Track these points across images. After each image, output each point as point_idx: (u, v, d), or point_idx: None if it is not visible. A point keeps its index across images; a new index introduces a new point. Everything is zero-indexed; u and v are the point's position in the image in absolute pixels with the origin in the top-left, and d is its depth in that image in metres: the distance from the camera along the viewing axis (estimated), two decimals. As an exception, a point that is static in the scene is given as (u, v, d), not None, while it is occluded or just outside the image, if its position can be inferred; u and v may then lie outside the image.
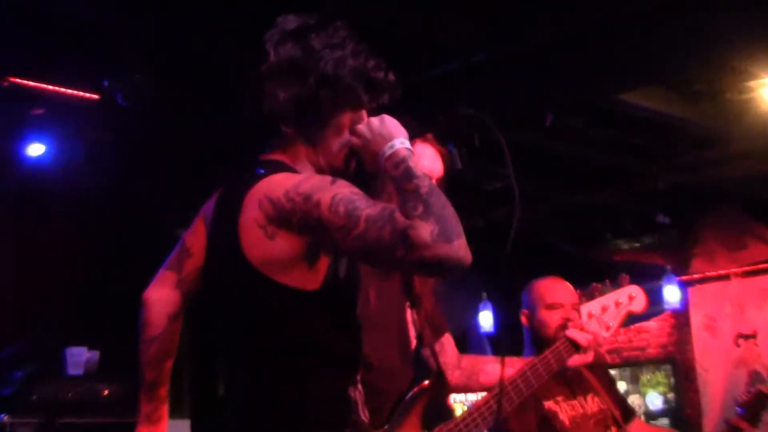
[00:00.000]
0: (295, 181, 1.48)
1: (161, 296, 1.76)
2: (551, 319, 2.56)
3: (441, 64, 3.54)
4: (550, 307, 2.57)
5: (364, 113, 1.62)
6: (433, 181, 1.47)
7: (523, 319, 2.64)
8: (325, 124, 1.58)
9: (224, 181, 1.63)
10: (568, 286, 2.61)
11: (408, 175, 1.47)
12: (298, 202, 1.44)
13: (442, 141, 2.06)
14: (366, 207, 1.42)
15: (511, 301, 2.88)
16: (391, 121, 1.59)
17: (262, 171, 1.53)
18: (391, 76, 1.61)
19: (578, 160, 4.75)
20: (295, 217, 1.44)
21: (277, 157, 1.60)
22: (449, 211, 1.42)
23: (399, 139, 1.54)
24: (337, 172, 1.59)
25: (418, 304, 2.02)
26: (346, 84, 1.56)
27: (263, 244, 1.47)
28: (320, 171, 1.60)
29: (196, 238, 1.73)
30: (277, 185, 1.48)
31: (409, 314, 2.06)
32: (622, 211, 5.62)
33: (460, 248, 1.39)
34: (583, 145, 4.47)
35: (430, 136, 2.01)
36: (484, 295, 6.20)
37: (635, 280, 2.37)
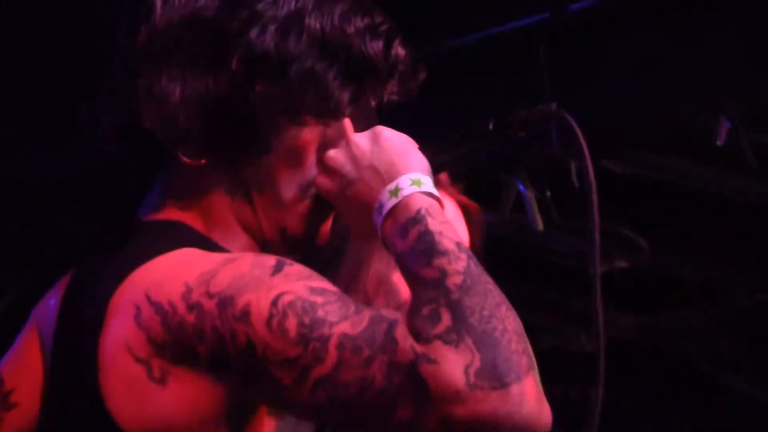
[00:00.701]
0: (203, 267, 1.48)
1: None
2: None
3: (506, 18, 3.55)
4: None
5: (345, 125, 1.63)
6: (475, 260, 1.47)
7: None
8: (264, 149, 1.59)
9: (71, 262, 1.65)
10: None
11: (426, 249, 1.48)
12: (208, 312, 1.45)
13: (490, 175, 2.03)
14: (340, 319, 1.42)
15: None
16: (395, 139, 1.60)
17: (142, 247, 1.54)
18: (400, 50, 1.62)
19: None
20: (205, 343, 1.45)
21: (171, 215, 1.61)
22: (503, 323, 1.42)
23: (409, 176, 1.55)
24: (293, 243, 1.61)
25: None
26: (304, 69, 1.57)
27: (145, 396, 1.48)
28: (261, 242, 1.62)
29: (22, 371, 1.71)
30: (168, 277, 1.49)
31: None
32: None
33: (524, 398, 1.39)
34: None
35: (443, 175, 2.01)
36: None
37: None
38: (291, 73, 1.57)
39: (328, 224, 1.64)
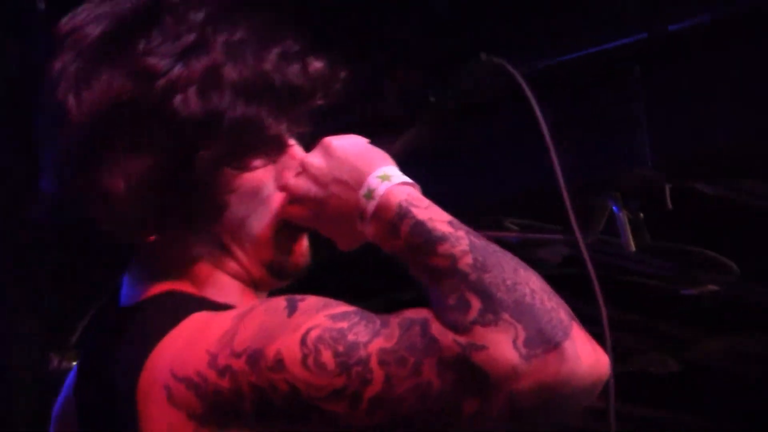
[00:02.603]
0: (218, 330, 1.48)
1: None
2: None
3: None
4: None
5: (293, 148, 1.62)
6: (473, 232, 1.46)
7: None
8: (223, 203, 1.58)
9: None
10: None
11: (425, 240, 1.47)
12: (240, 371, 1.44)
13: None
14: (371, 336, 1.41)
15: None
16: (346, 144, 1.58)
17: (148, 327, 1.53)
18: (317, 63, 1.60)
19: None
20: (246, 401, 1.44)
21: (161, 288, 1.59)
22: (528, 286, 1.41)
23: (376, 174, 1.54)
24: (280, 273, 1.61)
25: None
26: (236, 120, 1.54)
27: None
28: (252, 284, 1.61)
29: None
30: (188, 350, 1.48)
31: None
32: None
33: (578, 350, 1.39)
34: None
35: None
36: None
37: None
38: (224, 128, 1.54)
39: (304, 243, 1.64)
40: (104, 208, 1.54)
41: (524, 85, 1.62)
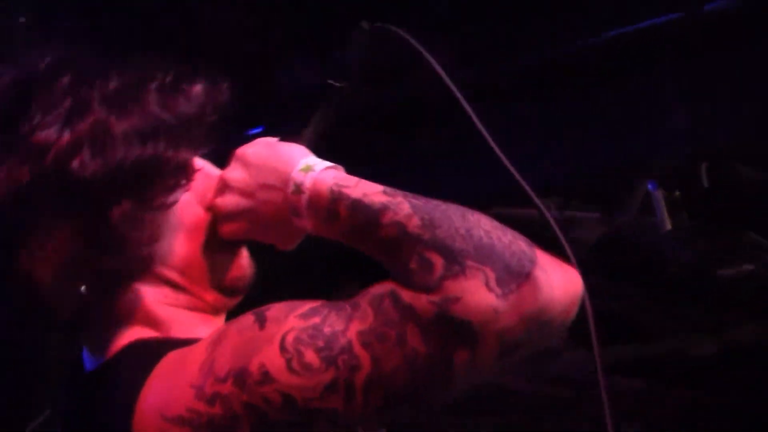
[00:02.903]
0: (195, 362, 1.47)
1: None
2: None
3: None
4: None
5: (207, 169, 1.61)
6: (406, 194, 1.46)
7: None
8: (153, 250, 1.57)
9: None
10: None
11: (367, 217, 1.47)
12: (230, 394, 1.44)
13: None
14: (346, 323, 1.41)
15: None
16: (259, 149, 1.58)
17: (125, 380, 1.52)
18: (196, 87, 1.60)
19: None
20: (242, 422, 1.43)
21: (125, 340, 1.58)
22: (480, 228, 1.42)
23: (297, 168, 1.54)
24: (233, 290, 1.61)
25: None
26: (136, 163, 1.53)
27: None
28: (211, 309, 1.62)
29: None
30: (171, 390, 1.48)
31: None
32: None
33: (549, 273, 1.40)
34: None
35: None
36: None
37: None
38: (128, 176, 1.52)
39: (244, 254, 1.64)
40: (35, 295, 1.54)
41: (420, 48, 1.60)
